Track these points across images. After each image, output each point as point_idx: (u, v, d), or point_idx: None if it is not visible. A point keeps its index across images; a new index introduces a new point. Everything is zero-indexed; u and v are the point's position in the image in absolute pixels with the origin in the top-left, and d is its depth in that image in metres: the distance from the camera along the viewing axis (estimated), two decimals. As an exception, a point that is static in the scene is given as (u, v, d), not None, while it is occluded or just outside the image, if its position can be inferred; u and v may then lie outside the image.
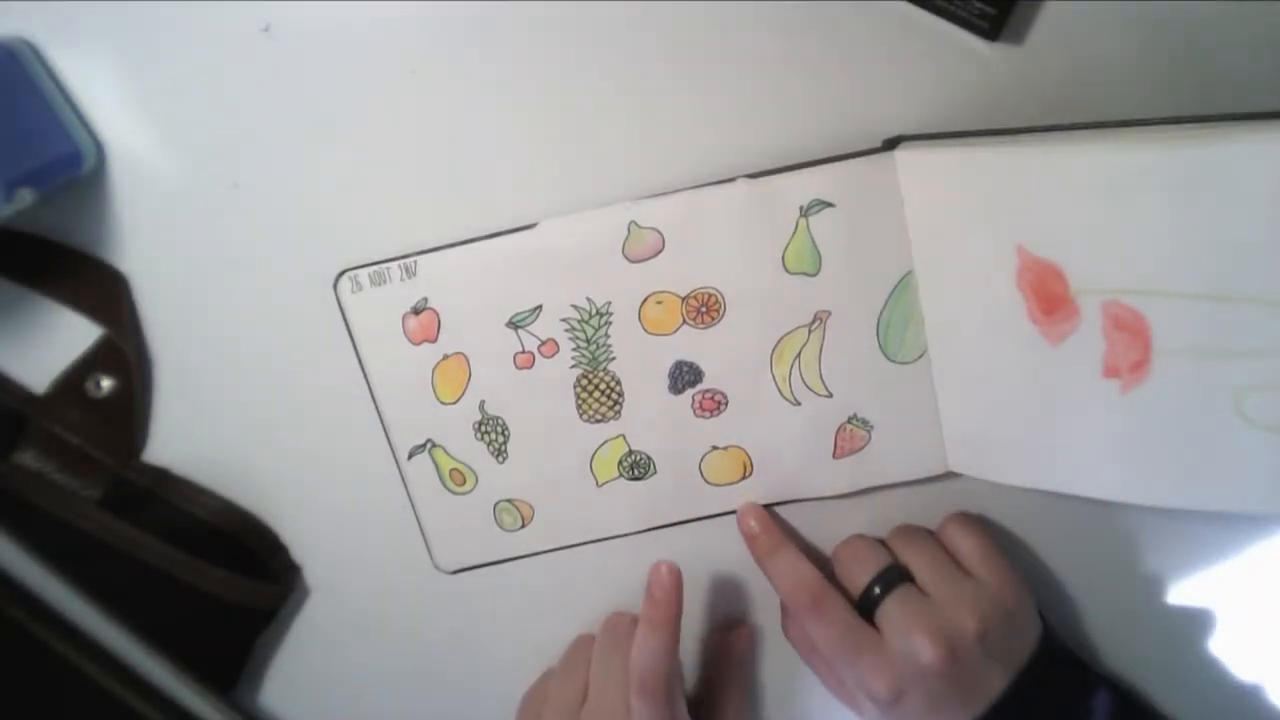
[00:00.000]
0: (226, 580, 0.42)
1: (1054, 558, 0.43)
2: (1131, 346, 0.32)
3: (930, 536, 0.41)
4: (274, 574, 0.44)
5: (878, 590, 0.39)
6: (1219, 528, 0.41)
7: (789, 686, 0.46)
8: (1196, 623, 0.43)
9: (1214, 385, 0.31)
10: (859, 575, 0.40)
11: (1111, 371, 0.33)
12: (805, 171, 0.37)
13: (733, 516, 0.43)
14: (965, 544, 0.40)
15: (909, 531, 0.42)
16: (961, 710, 0.37)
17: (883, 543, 0.42)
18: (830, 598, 0.39)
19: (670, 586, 0.39)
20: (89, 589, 0.40)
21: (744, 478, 0.42)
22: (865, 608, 0.39)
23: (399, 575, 0.45)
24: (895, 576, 0.39)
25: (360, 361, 0.41)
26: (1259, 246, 0.29)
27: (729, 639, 0.45)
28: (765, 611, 0.45)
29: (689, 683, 0.44)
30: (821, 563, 0.42)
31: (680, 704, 0.39)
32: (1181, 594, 0.43)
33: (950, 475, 0.41)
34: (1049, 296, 0.33)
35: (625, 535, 0.43)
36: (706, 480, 0.42)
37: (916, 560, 0.40)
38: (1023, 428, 0.37)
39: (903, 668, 0.37)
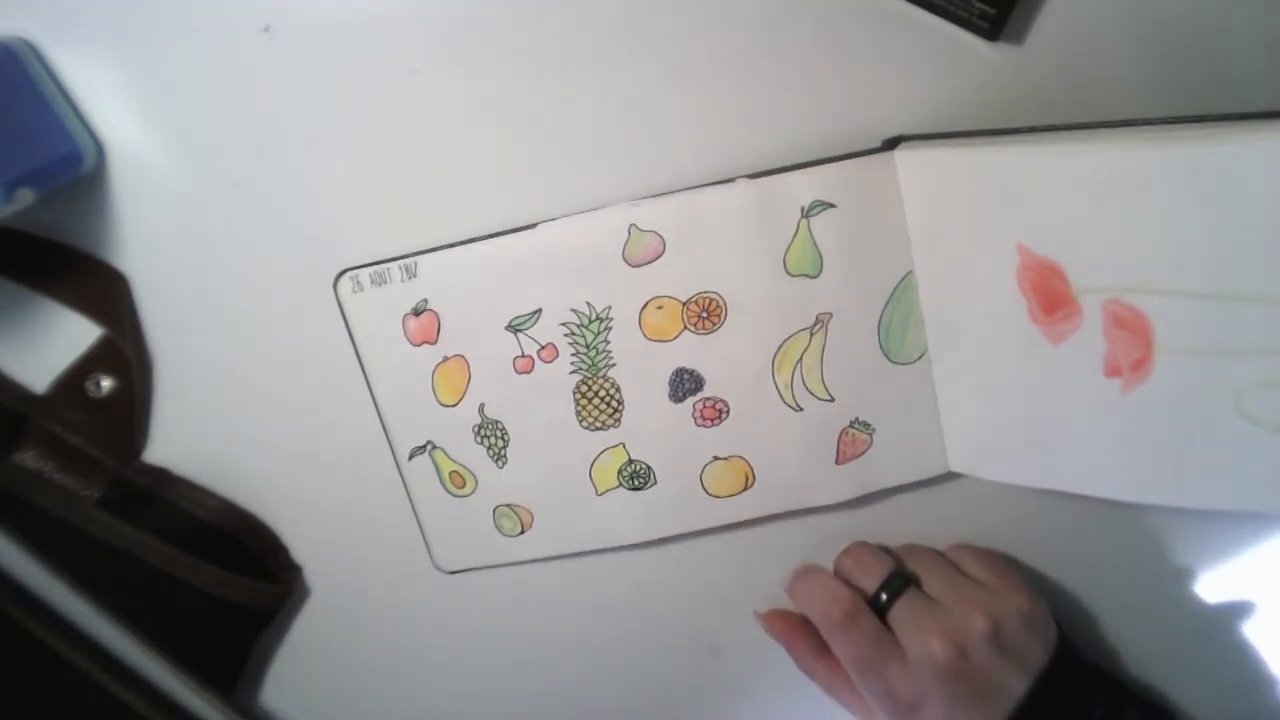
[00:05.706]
0: (226, 580, 0.42)
1: (1055, 558, 0.43)
2: (1132, 345, 0.32)
3: (937, 552, 0.42)
4: (274, 574, 0.44)
5: (885, 596, 0.39)
6: (1219, 527, 0.41)
7: (782, 699, 0.46)
8: (1196, 621, 0.43)
9: (1215, 384, 0.31)
10: (865, 583, 0.40)
11: (1112, 370, 0.33)
12: (805, 172, 0.36)
13: (733, 529, 0.42)
14: (973, 561, 0.40)
15: (915, 546, 0.42)
16: (983, 714, 0.37)
17: (885, 550, 0.42)
18: (864, 612, 0.39)
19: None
20: (89, 589, 0.40)
21: (746, 489, 0.41)
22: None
23: (399, 575, 0.45)
24: (902, 582, 0.39)
25: (360, 362, 0.41)
26: (1259, 246, 0.29)
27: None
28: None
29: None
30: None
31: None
32: (1181, 592, 0.43)
33: (951, 476, 0.41)
34: (1049, 295, 0.33)
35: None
36: (708, 492, 0.41)
37: (923, 568, 0.40)
38: (1024, 427, 0.37)
39: (921, 672, 0.37)
